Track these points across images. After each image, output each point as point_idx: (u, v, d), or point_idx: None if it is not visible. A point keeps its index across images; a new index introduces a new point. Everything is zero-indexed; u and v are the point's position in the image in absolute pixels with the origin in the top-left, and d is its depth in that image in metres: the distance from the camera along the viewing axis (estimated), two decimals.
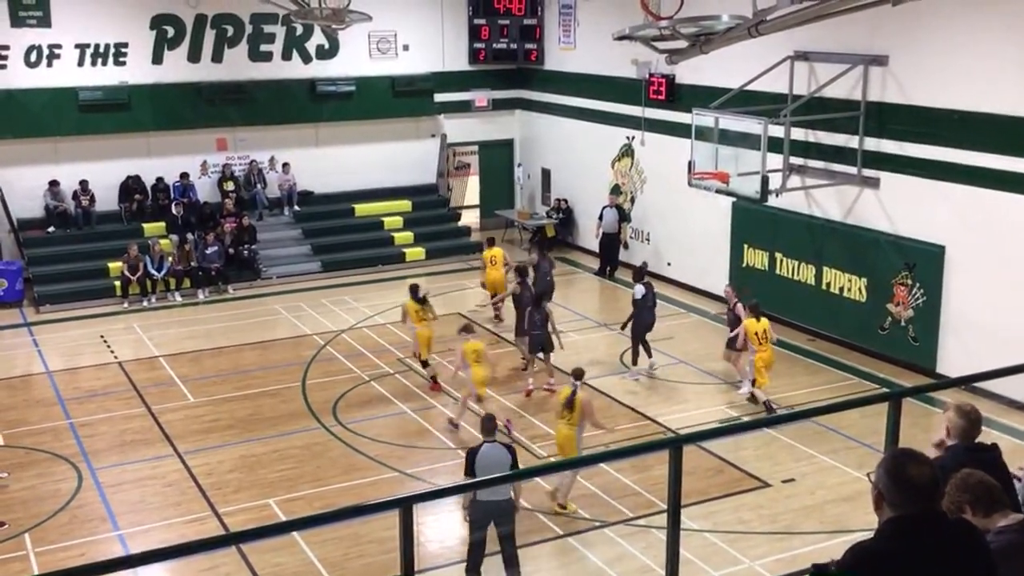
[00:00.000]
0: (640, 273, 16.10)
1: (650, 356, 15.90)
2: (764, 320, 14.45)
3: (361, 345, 17.50)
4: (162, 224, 21.83)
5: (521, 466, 10.37)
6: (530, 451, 13.18)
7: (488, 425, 10.10)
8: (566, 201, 24.32)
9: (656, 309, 16.08)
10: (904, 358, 15.91)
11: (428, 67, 24.39)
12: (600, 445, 13.19)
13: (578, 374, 11.97)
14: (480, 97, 25.32)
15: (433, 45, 24.49)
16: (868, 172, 16.24)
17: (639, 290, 15.82)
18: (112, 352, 17.55)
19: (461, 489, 9.75)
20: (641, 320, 15.75)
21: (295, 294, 20.86)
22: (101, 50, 21.51)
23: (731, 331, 15.07)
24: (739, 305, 14.90)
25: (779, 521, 11.45)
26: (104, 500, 12.17)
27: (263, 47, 22.92)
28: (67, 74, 21.25)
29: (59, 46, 21.12)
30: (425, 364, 15.47)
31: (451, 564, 10.36)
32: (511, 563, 10.06)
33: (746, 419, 14.03)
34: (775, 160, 15.98)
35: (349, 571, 10.55)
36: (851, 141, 16.42)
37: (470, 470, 9.80)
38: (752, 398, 14.59)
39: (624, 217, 21.92)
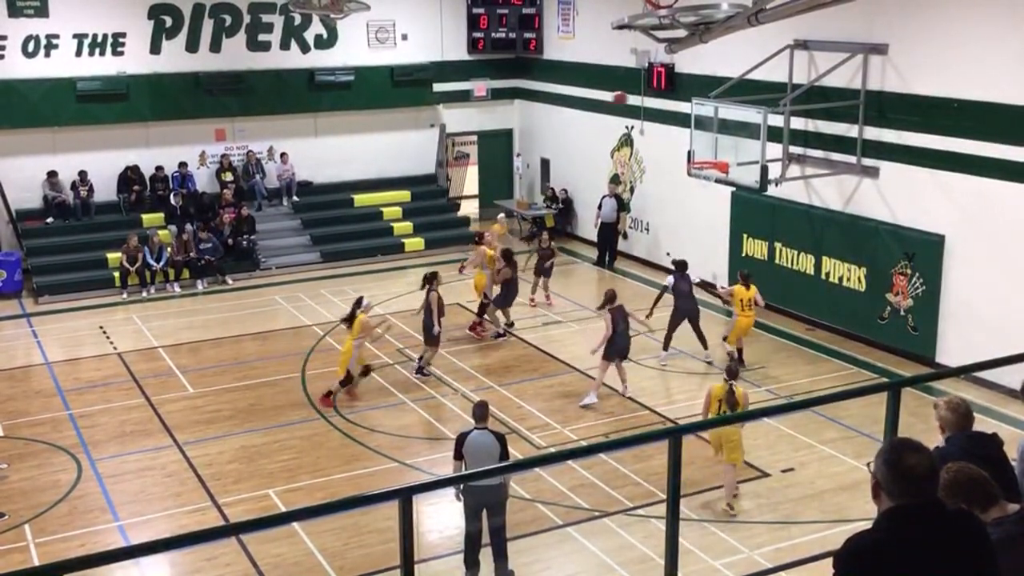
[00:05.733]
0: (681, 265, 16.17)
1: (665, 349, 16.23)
2: (753, 288, 15.24)
3: None
4: (161, 214, 21.81)
5: (512, 452, 10.46)
6: (529, 441, 13.21)
7: (479, 412, 10.14)
8: (565, 191, 24.28)
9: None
10: (903, 348, 15.91)
11: (427, 56, 24.33)
12: (600, 435, 13.23)
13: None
14: (479, 86, 25.27)
15: (432, 34, 24.42)
16: (868, 161, 16.22)
17: (670, 280, 16.07)
18: (111, 343, 17.54)
19: (460, 479, 9.77)
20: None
21: (294, 284, 20.85)
22: (99, 40, 21.45)
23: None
24: (608, 313, 14.29)
25: (779, 510, 11.47)
26: (104, 491, 12.18)
27: (261, 37, 22.86)
28: (65, 64, 21.19)
29: (57, 36, 21.06)
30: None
31: (451, 554, 10.38)
32: (500, 555, 10.10)
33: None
34: (774, 149, 15.97)
35: (349, 561, 10.57)
36: (851, 130, 16.38)
37: (459, 455, 9.93)
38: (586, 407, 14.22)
39: (623, 207, 21.89)
